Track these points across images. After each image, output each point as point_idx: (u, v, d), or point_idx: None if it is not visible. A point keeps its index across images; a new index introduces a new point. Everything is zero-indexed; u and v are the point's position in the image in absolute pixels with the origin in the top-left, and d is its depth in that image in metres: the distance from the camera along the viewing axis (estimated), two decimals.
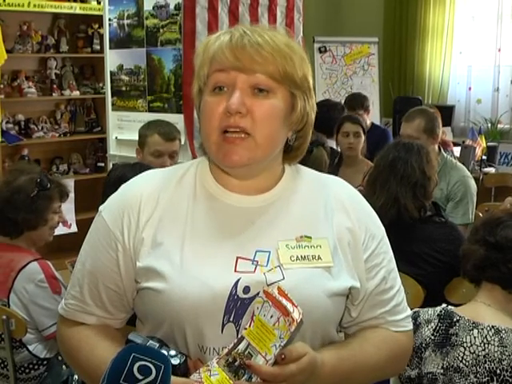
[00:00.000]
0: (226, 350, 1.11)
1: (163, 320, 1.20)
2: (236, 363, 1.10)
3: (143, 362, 1.04)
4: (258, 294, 1.16)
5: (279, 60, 1.20)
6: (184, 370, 1.12)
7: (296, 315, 1.10)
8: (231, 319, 1.16)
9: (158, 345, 1.13)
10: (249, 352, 1.10)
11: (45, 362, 2.54)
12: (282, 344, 1.09)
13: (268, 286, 1.16)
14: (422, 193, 2.67)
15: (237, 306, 1.16)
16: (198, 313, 1.16)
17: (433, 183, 2.74)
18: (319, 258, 1.23)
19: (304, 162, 1.38)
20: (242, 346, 1.11)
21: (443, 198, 3.50)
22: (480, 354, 1.68)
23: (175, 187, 1.28)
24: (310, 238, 1.24)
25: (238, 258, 1.20)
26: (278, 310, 1.10)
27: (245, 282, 1.17)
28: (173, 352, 1.12)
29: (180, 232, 1.22)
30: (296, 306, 1.12)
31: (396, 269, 1.37)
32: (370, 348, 1.28)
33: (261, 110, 1.19)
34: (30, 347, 2.51)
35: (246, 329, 1.13)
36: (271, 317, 1.11)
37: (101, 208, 1.32)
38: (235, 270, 1.18)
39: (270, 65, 1.19)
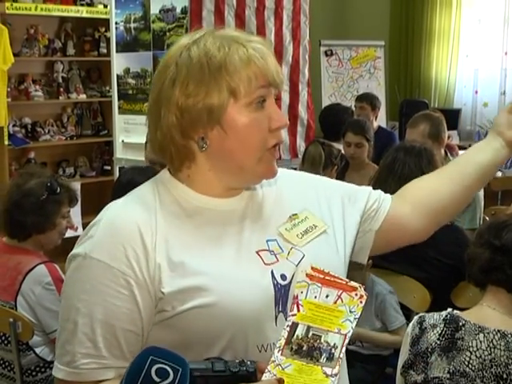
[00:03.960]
0: (282, 341, 1.11)
1: (222, 332, 1.14)
2: (304, 348, 1.09)
3: (161, 365, 1.04)
4: (292, 277, 1.19)
5: (279, 70, 1.24)
6: (256, 375, 1.09)
7: (362, 290, 1.15)
8: (280, 309, 1.18)
9: (222, 363, 1.06)
10: (314, 334, 1.10)
11: (51, 365, 2.54)
12: (357, 317, 1.12)
13: (297, 266, 1.21)
14: None
15: (282, 294, 1.19)
16: (256, 312, 1.16)
17: None
18: (315, 226, 1.29)
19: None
20: (300, 331, 1.11)
21: None
22: (486, 358, 1.68)
23: (160, 206, 1.22)
24: (296, 214, 1.30)
25: (258, 252, 1.22)
26: (335, 288, 1.14)
27: (279, 270, 1.20)
28: (238, 361, 1.08)
29: (193, 245, 1.19)
30: (351, 282, 1.16)
31: None
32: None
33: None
34: (37, 350, 2.51)
35: (294, 315, 1.13)
36: (327, 296, 1.14)
37: (83, 252, 1.17)
38: (265, 264, 1.21)
39: (281, 75, 1.23)
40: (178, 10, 4.27)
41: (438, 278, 2.56)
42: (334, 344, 1.10)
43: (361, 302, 1.14)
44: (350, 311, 1.13)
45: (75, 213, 4.46)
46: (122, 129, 4.80)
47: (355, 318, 1.13)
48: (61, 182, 2.70)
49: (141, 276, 1.15)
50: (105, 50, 6.00)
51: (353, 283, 1.16)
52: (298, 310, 1.14)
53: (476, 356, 1.69)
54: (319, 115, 5.02)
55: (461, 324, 1.75)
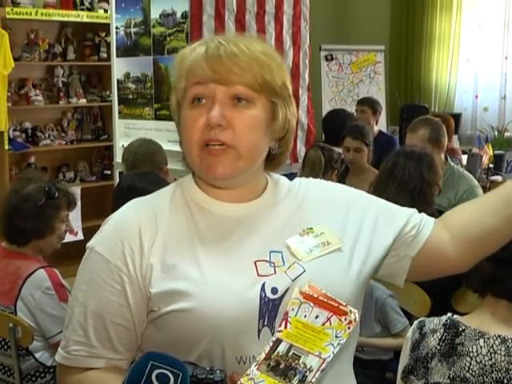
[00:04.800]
0: (262, 355, 1.09)
1: (198, 339, 1.15)
2: (281, 366, 1.07)
3: (161, 370, 1.05)
4: (285, 292, 1.17)
5: (257, 69, 1.19)
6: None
7: (353, 316, 1.12)
8: (266, 323, 1.16)
9: (192, 366, 1.09)
10: (294, 353, 1.08)
11: (51, 370, 2.55)
12: (342, 342, 1.09)
13: (293, 281, 1.18)
14: (421, 199, 2.66)
15: (269, 308, 1.16)
16: (235, 323, 1.14)
17: (434, 190, 2.73)
18: (328, 243, 1.25)
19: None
20: (282, 348, 1.09)
21: (451, 208, 3.49)
22: (487, 363, 1.68)
23: (169, 208, 1.26)
24: (312, 228, 1.27)
25: (255, 262, 1.20)
26: (326, 310, 1.12)
27: (271, 283, 1.18)
28: (207, 368, 1.10)
29: (189, 249, 1.20)
30: (345, 306, 1.13)
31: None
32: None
33: (241, 122, 1.19)
34: (37, 355, 2.51)
35: (280, 331, 1.12)
36: (316, 317, 1.12)
37: (91, 245, 1.25)
38: (258, 274, 1.19)
39: (247, 74, 1.18)
40: (179, 15, 4.28)
41: (439, 282, 2.54)
42: (311, 367, 1.07)
43: (348, 328, 1.10)
44: (336, 336, 1.10)
45: (75, 217, 4.46)
46: (123, 133, 4.80)
47: (339, 344, 1.09)
48: (58, 186, 2.71)
49: (133, 273, 1.19)
50: (105, 55, 6.01)
51: (345, 307, 1.12)
52: (286, 327, 1.12)
53: (476, 361, 1.69)
54: (322, 119, 5.02)
55: (461, 329, 1.74)
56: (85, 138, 6.23)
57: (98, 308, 1.20)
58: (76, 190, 3.06)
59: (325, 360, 1.08)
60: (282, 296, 1.17)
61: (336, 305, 1.13)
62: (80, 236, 4.97)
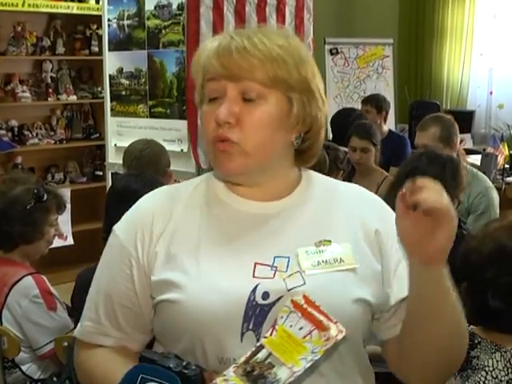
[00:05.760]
0: (243, 359, 1.12)
1: (182, 332, 1.22)
2: (255, 372, 1.10)
3: (152, 383, 1.08)
4: (278, 300, 1.19)
5: (268, 64, 1.22)
6: (198, 383, 1.14)
7: (334, 332, 1.11)
8: (250, 327, 1.18)
9: (172, 358, 1.15)
10: (270, 362, 1.10)
11: (39, 383, 2.55)
12: (315, 358, 1.10)
13: (288, 291, 1.19)
14: None
15: (256, 312, 1.18)
16: (216, 321, 1.18)
17: (454, 203, 2.68)
18: (341, 260, 1.25)
19: None
20: (261, 355, 1.12)
21: (463, 211, 3.49)
22: (503, 379, 1.67)
23: (188, 200, 1.33)
24: (330, 241, 1.27)
25: (256, 263, 1.23)
26: (311, 322, 1.12)
27: (264, 287, 1.20)
28: (184, 363, 1.15)
29: (194, 242, 1.26)
30: (335, 323, 1.13)
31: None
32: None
33: (249, 120, 1.23)
34: (24, 367, 2.51)
35: (266, 337, 1.14)
36: (300, 329, 1.12)
37: (114, 227, 1.36)
38: (253, 276, 1.21)
39: (257, 70, 1.22)
40: (174, 6, 4.27)
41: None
42: (279, 379, 1.09)
43: (325, 345, 1.11)
44: (312, 351, 1.10)
45: (64, 221, 4.44)
46: (115, 132, 4.79)
47: (311, 360, 1.10)
48: (47, 188, 2.71)
49: (141, 259, 1.28)
50: (96, 49, 6.02)
51: (330, 322, 1.12)
52: (271, 334, 1.13)
53: (492, 376, 1.68)
54: (331, 118, 5.01)
55: (476, 341, 1.74)
56: (75, 136, 6.23)
57: (108, 288, 1.31)
58: (65, 192, 3.07)
59: (294, 373, 1.09)
60: (274, 303, 1.19)
61: (321, 319, 1.13)
62: (70, 241, 4.97)
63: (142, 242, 1.29)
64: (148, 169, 3.02)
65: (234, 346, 1.17)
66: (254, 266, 1.22)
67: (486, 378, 1.69)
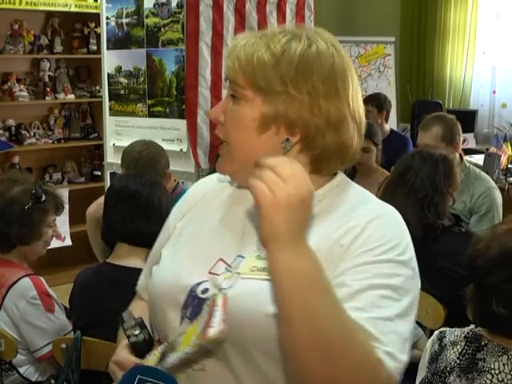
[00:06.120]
0: (180, 339, 1.21)
1: (150, 302, 1.38)
2: (166, 352, 1.22)
3: None
4: (212, 296, 1.23)
5: (249, 69, 1.24)
6: (144, 350, 1.29)
7: (211, 332, 1.12)
8: (187, 315, 1.26)
9: (134, 323, 1.32)
10: (174, 346, 1.21)
11: None
12: (189, 352, 1.16)
13: (219, 290, 1.23)
14: (431, 210, 2.61)
15: (194, 303, 1.26)
16: (165, 301, 1.30)
17: (448, 201, 2.68)
18: None
19: None
20: (178, 339, 1.22)
21: (466, 211, 3.49)
22: (509, 382, 1.66)
23: (217, 193, 1.42)
24: None
25: (220, 259, 1.29)
26: (208, 319, 1.17)
27: (207, 283, 1.26)
28: (137, 331, 1.31)
29: (195, 227, 1.38)
30: (223, 324, 1.13)
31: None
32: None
33: (228, 118, 1.29)
34: (21, 370, 2.51)
35: (192, 324, 1.23)
36: (201, 323, 1.19)
37: None
38: (209, 272, 1.28)
39: (238, 74, 1.26)
40: (174, 5, 4.27)
41: (453, 290, 2.54)
42: (168, 360, 1.20)
43: (197, 341, 1.14)
44: (192, 344, 1.16)
45: (62, 222, 4.46)
46: (114, 132, 4.79)
47: (186, 353, 1.16)
48: (46, 188, 2.70)
49: (172, 231, 1.44)
50: (95, 47, 6.02)
51: (214, 324, 1.13)
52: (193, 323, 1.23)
53: (498, 379, 1.68)
54: None
55: (483, 343, 1.73)
56: (73, 136, 6.23)
57: (153, 251, 1.50)
58: (64, 193, 3.07)
59: (175, 359, 1.19)
60: (207, 298, 1.23)
61: (213, 317, 1.16)
62: (68, 241, 4.97)
63: (180, 214, 1.44)
64: (146, 170, 3.01)
65: (174, 328, 1.27)
66: (216, 262, 1.28)
67: (491, 380, 1.68)
